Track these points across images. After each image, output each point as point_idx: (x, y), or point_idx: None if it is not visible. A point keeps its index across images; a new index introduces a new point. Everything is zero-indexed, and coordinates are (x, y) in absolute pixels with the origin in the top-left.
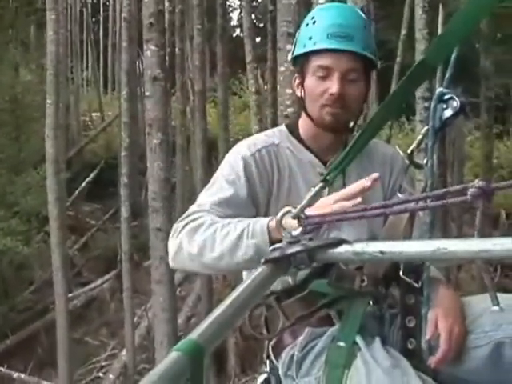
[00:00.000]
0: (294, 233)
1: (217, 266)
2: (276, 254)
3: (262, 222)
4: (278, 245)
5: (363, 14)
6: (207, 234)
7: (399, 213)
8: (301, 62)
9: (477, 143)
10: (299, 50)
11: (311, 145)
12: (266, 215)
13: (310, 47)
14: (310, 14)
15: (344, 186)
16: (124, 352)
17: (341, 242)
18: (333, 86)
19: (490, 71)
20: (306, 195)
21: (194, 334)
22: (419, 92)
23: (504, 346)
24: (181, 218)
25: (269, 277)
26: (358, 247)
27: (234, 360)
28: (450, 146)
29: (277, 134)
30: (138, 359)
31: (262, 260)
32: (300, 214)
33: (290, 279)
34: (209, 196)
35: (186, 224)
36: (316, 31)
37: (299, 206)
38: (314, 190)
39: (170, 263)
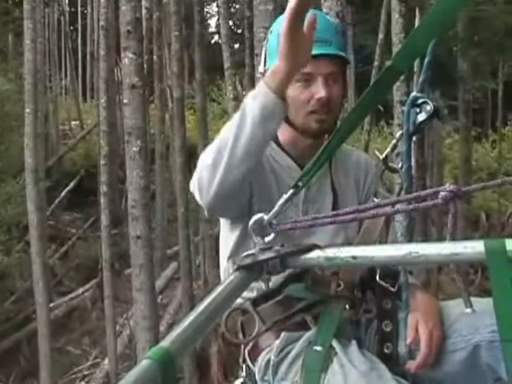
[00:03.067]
0: (267, 239)
1: (237, 154)
2: (248, 260)
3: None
4: (250, 251)
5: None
6: (213, 144)
7: (370, 218)
8: None
9: (455, 146)
10: (274, 61)
11: (290, 149)
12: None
13: None
14: (279, 23)
15: (307, 191)
16: (106, 361)
17: (313, 247)
18: (319, 91)
19: (468, 74)
20: (279, 199)
21: (166, 342)
22: (397, 96)
23: (480, 348)
24: None
25: (241, 283)
26: (330, 252)
27: (216, 366)
28: (429, 148)
29: None
30: (120, 368)
31: (235, 266)
32: (272, 221)
33: (263, 285)
34: None
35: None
36: None
37: (271, 213)
38: (285, 197)
39: (206, 200)
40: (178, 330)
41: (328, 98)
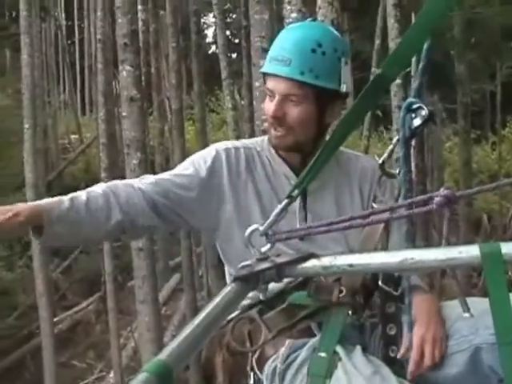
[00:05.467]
0: (263, 249)
1: None
2: (245, 271)
3: None
4: (246, 262)
5: (328, 34)
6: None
7: (364, 225)
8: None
9: (455, 149)
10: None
11: (288, 158)
12: (218, 209)
13: (261, 68)
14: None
15: (304, 201)
16: (112, 374)
17: (309, 256)
18: (270, 108)
19: (465, 77)
20: (273, 208)
21: (163, 355)
22: (395, 101)
23: (482, 351)
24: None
25: (238, 294)
26: (326, 261)
27: (222, 377)
28: (429, 153)
29: (259, 143)
30: (125, 380)
31: (232, 278)
32: (267, 231)
33: (260, 295)
34: (167, 172)
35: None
36: (269, 52)
37: (266, 223)
38: (280, 207)
39: None
40: (175, 343)
41: (275, 117)
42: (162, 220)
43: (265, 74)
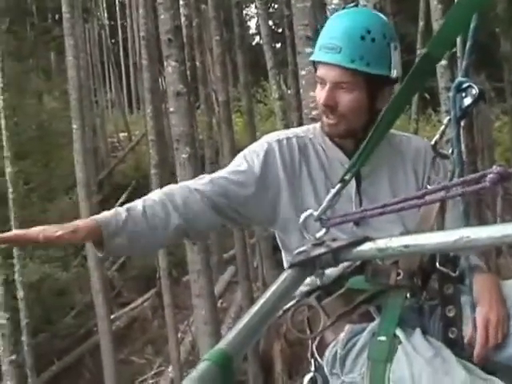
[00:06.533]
0: (318, 235)
1: None
2: (301, 257)
3: None
4: (302, 248)
5: (376, 20)
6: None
7: (417, 206)
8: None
9: (505, 128)
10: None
11: (342, 144)
12: (275, 201)
13: (311, 57)
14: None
15: (359, 185)
16: (170, 368)
17: (364, 239)
18: (321, 96)
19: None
20: (327, 193)
21: (223, 343)
22: (442, 83)
23: None
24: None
25: (295, 280)
26: (382, 243)
27: (280, 366)
28: (478, 133)
29: (311, 130)
30: (184, 375)
31: (288, 264)
32: (322, 216)
33: (317, 281)
34: (222, 170)
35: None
36: (318, 41)
37: (320, 208)
38: (333, 191)
39: None
40: (234, 332)
41: (327, 105)
42: (222, 218)
43: (315, 62)
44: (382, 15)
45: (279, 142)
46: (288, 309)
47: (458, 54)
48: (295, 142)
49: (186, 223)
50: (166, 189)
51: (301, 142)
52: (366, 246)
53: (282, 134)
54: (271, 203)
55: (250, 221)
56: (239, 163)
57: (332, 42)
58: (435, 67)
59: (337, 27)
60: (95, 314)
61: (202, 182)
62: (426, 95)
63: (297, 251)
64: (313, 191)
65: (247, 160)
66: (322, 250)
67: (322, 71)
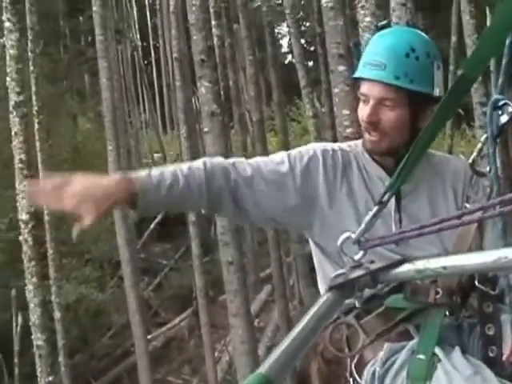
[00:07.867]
0: (356, 257)
1: None
2: (340, 279)
3: None
4: (340, 271)
5: (420, 39)
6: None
7: (455, 227)
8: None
9: None
10: (353, 75)
11: (382, 162)
12: (311, 208)
13: (355, 74)
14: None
15: (399, 203)
16: None
17: (402, 261)
18: (365, 113)
19: None
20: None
21: (263, 368)
22: (476, 98)
23: None
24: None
25: (334, 303)
26: (420, 265)
27: None
28: None
29: (353, 147)
30: None
31: (326, 287)
32: (360, 238)
33: (356, 303)
34: (263, 163)
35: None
36: (362, 58)
37: (358, 231)
38: (371, 214)
39: None
40: (274, 356)
41: (371, 122)
42: (249, 216)
43: (357, 79)
44: (425, 35)
45: (325, 151)
46: (326, 327)
47: (492, 69)
48: (340, 154)
49: (209, 208)
50: (209, 166)
51: (345, 155)
52: (405, 268)
53: (328, 145)
54: (306, 210)
55: (277, 222)
56: (281, 161)
57: (376, 59)
58: (472, 87)
59: (382, 45)
60: (132, 334)
61: (244, 175)
62: (460, 111)
63: (335, 274)
64: (352, 206)
65: (290, 161)
66: (360, 272)
67: (365, 88)
